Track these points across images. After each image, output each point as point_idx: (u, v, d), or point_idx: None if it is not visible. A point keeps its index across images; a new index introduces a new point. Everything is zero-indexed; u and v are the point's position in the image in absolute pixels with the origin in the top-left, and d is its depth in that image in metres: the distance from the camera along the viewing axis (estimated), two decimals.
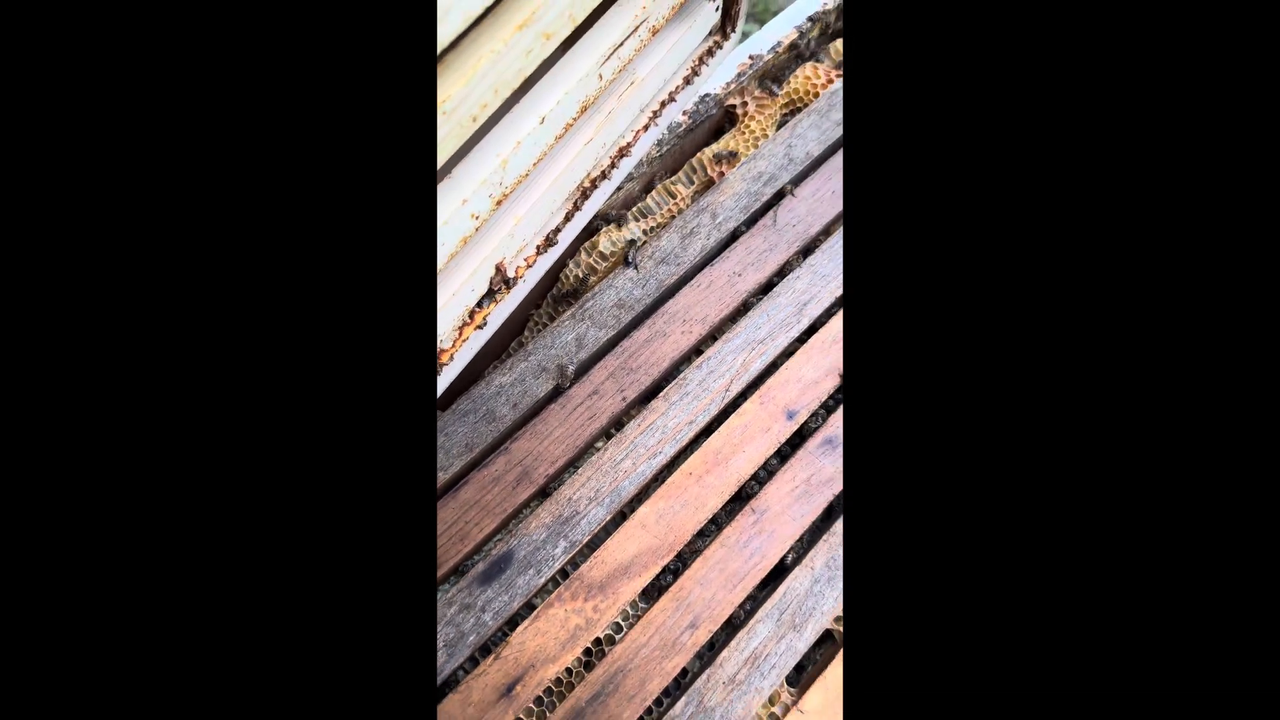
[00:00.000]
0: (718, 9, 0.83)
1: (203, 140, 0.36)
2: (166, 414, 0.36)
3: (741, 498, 0.74)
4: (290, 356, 0.36)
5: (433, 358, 0.66)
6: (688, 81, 0.84)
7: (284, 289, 0.36)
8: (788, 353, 0.80)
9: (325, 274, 0.37)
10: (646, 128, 0.81)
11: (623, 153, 0.80)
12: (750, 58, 0.93)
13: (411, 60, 0.37)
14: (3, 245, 0.35)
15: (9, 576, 0.35)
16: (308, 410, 0.36)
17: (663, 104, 0.82)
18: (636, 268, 0.81)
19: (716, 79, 0.91)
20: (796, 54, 0.96)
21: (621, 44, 0.70)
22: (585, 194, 0.77)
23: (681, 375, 0.78)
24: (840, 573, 0.70)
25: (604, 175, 0.78)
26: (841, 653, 0.68)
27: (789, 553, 0.72)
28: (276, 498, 0.36)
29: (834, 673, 0.67)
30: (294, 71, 0.36)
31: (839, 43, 0.97)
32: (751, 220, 0.86)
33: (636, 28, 0.71)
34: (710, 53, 0.85)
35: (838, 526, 0.72)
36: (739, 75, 0.92)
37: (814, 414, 0.77)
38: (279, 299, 0.37)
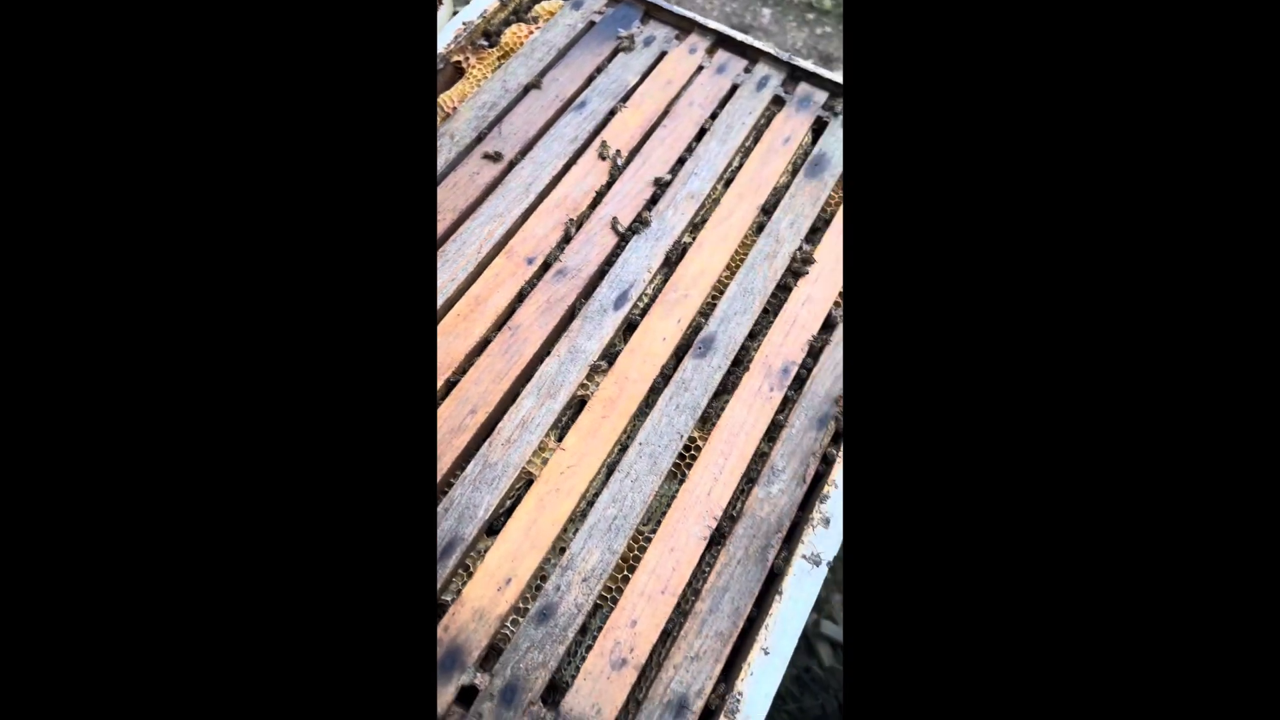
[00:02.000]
0: None
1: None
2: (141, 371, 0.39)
3: (500, 324, 0.96)
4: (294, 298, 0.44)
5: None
6: None
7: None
8: (523, 218, 1.04)
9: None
10: None
11: None
12: (464, 24, 1.19)
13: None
14: (3, 245, 0.37)
15: (9, 576, 0.36)
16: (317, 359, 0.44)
17: None
18: None
19: (441, 41, 1.17)
20: (507, 15, 1.23)
21: None
22: None
23: (443, 249, 1.00)
24: (582, 355, 0.93)
25: None
26: (588, 404, 0.90)
27: (540, 350, 0.94)
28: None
29: (585, 421, 0.89)
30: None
31: (539, 5, 1.25)
32: (482, 135, 1.11)
33: None
34: None
35: (574, 325, 0.95)
36: (457, 37, 1.17)
37: (547, 256, 1.01)
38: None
